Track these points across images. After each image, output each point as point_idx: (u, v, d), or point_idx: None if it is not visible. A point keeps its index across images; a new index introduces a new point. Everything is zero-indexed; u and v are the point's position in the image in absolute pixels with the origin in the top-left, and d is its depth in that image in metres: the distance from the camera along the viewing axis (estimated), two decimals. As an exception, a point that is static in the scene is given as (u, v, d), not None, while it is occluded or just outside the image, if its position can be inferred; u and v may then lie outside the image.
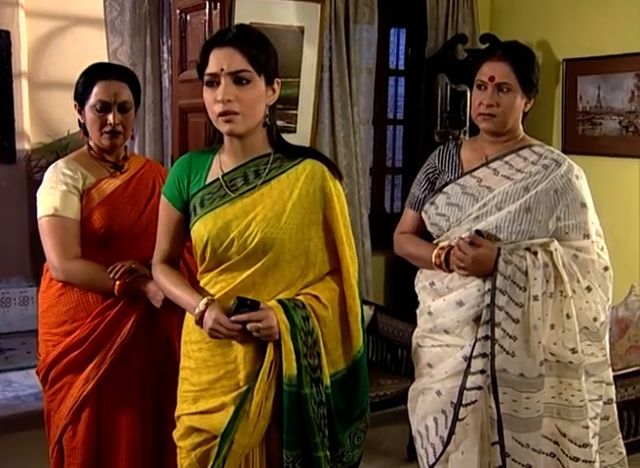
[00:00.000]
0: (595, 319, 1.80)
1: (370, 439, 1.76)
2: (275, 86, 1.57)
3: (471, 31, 3.67)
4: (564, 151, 1.98)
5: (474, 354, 1.75)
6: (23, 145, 4.44)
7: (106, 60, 3.01)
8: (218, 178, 1.58)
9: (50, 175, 1.89)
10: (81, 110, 1.90)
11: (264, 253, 1.53)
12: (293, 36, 3.00)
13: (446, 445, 1.79)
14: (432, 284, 1.87)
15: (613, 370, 1.91)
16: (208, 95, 1.52)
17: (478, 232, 1.78)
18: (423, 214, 1.93)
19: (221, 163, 1.60)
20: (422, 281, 1.92)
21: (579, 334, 1.76)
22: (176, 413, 1.64)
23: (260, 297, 1.54)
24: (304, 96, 3.12)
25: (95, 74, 1.88)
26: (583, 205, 1.81)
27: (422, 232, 1.96)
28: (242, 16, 2.76)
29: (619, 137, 3.26)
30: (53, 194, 1.85)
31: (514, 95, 1.80)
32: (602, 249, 1.84)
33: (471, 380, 1.75)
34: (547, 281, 1.73)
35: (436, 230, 1.89)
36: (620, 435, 1.95)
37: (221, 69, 1.49)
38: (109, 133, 1.87)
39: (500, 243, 1.77)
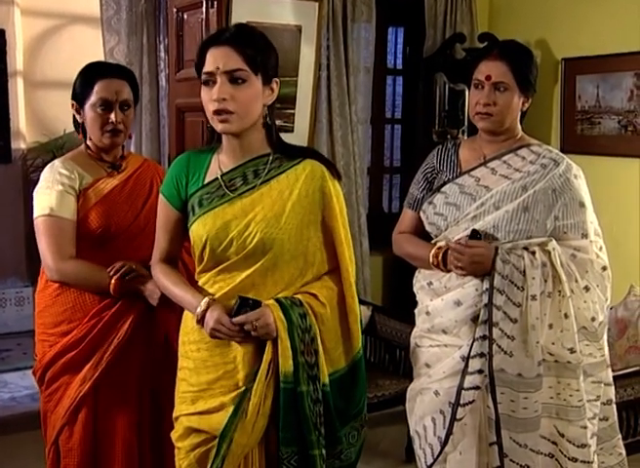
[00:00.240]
0: (593, 319, 1.79)
1: (368, 440, 1.76)
2: (274, 86, 1.56)
3: (470, 30, 3.67)
4: (562, 151, 1.98)
5: (472, 354, 1.75)
6: (19, 145, 4.43)
7: (103, 59, 3.00)
8: (216, 178, 1.58)
9: (46, 174, 1.89)
10: (79, 109, 1.89)
11: (264, 254, 1.53)
12: (290, 35, 3.00)
13: (444, 445, 1.79)
14: (430, 283, 1.87)
15: (612, 371, 1.91)
16: (204, 94, 1.53)
17: (476, 231, 1.77)
18: (422, 213, 1.93)
19: (220, 162, 1.60)
20: (420, 281, 1.92)
21: (577, 334, 1.76)
22: (174, 414, 1.64)
23: (260, 298, 1.54)
24: (302, 95, 3.11)
25: (95, 72, 1.88)
26: (582, 204, 1.81)
27: (421, 232, 1.96)
28: (239, 14, 2.75)
29: (617, 137, 3.25)
30: (49, 194, 1.84)
31: (511, 94, 1.80)
32: (600, 248, 1.84)
33: (469, 380, 1.75)
34: (545, 280, 1.73)
35: (434, 230, 1.89)
36: (620, 436, 1.95)
37: (217, 68, 1.49)
38: (111, 131, 1.86)
39: (498, 242, 1.77)
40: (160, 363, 1.88)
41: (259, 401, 1.52)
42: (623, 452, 1.94)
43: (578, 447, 1.77)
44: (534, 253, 1.74)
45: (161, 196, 1.65)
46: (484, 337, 1.73)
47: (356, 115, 3.46)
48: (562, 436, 1.78)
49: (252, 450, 1.57)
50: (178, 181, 1.62)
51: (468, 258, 1.74)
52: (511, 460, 1.75)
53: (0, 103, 4.30)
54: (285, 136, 1.66)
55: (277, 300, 1.54)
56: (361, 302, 1.65)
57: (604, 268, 1.82)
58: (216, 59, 1.50)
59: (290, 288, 1.57)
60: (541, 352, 1.73)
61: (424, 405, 1.85)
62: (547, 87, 3.46)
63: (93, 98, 1.85)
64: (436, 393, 1.81)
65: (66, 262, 1.82)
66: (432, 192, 1.91)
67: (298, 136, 3.03)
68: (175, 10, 2.97)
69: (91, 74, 1.88)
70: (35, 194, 1.89)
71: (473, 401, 1.75)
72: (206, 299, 1.53)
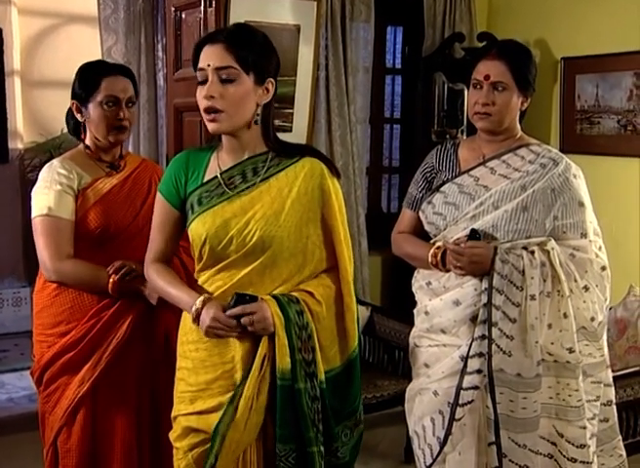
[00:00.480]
0: (593, 319, 1.79)
1: (367, 441, 1.76)
2: (269, 86, 1.56)
3: (469, 29, 3.66)
4: (562, 150, 1.97)
5: (471, 354, 1.75)
6: (16, 144, 4.42)
7: (100, 59, 2.99)
8: (216, 176, 1.58)
9: (45, 174, 1.88)
10: (80, 108, 1.89)
11: (263, 251, 1.53)
12: (289, 34, 3.00)
13: (443, 445, 1.79)
14: (429, 283, 1.87)
15: (612, 371, 1.90)
16: (198, 92, 1.54)
17: (475, 231, 1.77)
18: (421, 213, 1.92)
19: (219, 161, 1.60)
20: (419, 280, 1.91)
21: (576, 334, 1.76)
22: (172, 414, 1.63)
23: (257, 294, 1.53)
24: (300, 94, 3.11)
25: (100, 71, 1.88)
26: (581, 204, 1.81)
27: (420, 232, 1.95)
28: (237, 14, 2.75)
29: (617, 137, 3.25)
30: (47, 194, 1.84)
31: (510, 93, 1.80)
32: (600, 248, 1.84)
33: (468, 380, 1.75)
34: (544, 280, 1.73)
35: (433, 229, 1.89)
36: (620, 437, 1.94)
37: (208, 65, 1.51)
38: (118, 128, 1.86)
39: (497, 242, 1.76)
40: (159, 363, 1.87)
41: (251, 395, 1.52)
42: (624, 454, 1.94)
43: (577, 447, 1.77)
44: (533, 252, 1.74)
45: (158, 194, 1.64)
46: (483, 337, 1.73)
47: (355, 115, 3.46)
48: (561, 436, 1.78)
49: (249, 448, 1.57)
50: (177, 179, 1.61)
51: (468, 259, 1.74)
52: (510, 460, 1.75)
53: (-3, 103, 4.30)
54: (283, 136, 1.66)
55: (274, 297, 1.54)
56: (360, 302, 1.65)
57: (603, 268, 1.82)
58: (208, 57, 1.51)
59: (286, 284, 1.57)
60: (541, 352, 1.73)
61: (423, 405, 1.85)
62: (547, 86, 3.46)
63: (100, 96, 1.84)
64: (435, 393, 1.81)
65: (64, 262, 1.82)
66: (431, 192, 1.90)
67: (296, 136, 3.03)
68: (173, 9, 2.96)
69: (95, 72, 1.88)
70: (33, 194, 1.88)
71: (472, 401, 1.75)
72: (202, 297, 1.52)
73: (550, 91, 3.51)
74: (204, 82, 1.52)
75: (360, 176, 3.55)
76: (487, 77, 1.80)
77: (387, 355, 2.99)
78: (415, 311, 1.93)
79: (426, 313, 1.86)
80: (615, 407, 1.91)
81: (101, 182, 1.89)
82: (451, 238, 1.82)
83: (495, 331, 1.71)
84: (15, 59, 4.36)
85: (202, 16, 2.78)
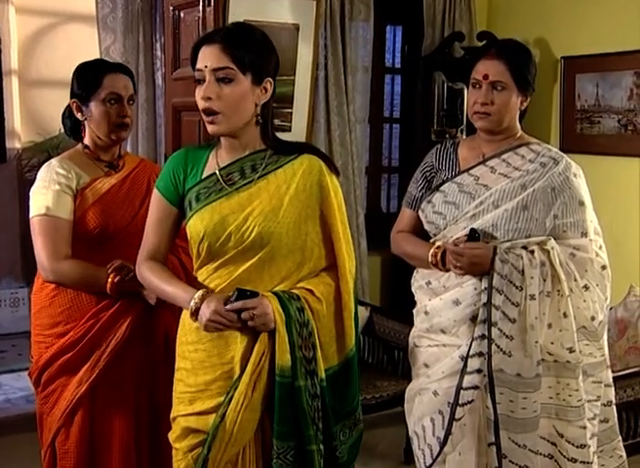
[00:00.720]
0: (593, 318, 1.79)
1: (366, 441, 1.75)
2: (267, 85, 1.56)
3: (468, 29, 3.67)
4: (562, 150, 1.96)
5: (471, 353, 1.74)
6: (14, 144, 4.41)
7: (98, 58, 2.98)
8: (214, 173, 1.58)
9: (43, 174, 1.87)
10: (80, 107, 1.88)
11: (261, 248, 1.53)
12: (288, 34, 2.99)
13: (443, 445, 1.79)
14: (429, 283, 1.86)
15: (612, 372, 1.90)
16: (196, 92, 1.54)
17: (474, 231, 1.77)
18: (420, 212, 1.92)
19: (218, 157, 1.60)
20: (419, 280, 1.91)
21: (576, 334, 1.75)
22: (172, 415, 1.63)
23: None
24: (300, 94, 3.10)
25: (100, 69, 1.88)
26: (581, 203, 1.80)
27: (420, 231, 1.95)
28: (236, 13, 2.74)
29: (617, 136, 3.25)
30: (45, 194, 1.83)
31: (509, 93, 1.80)
32: (600, 247, 1.83)
33: (467, 380, 1.74)
34: (544, 280, 1.73)
35: (433, 228, 1.88)
36: (620, 438, 1.94)
37: (205, 66, 1.51)
38: (120, 126, 1.86)
39: (497, 241, 1.76)
40: (159, 363, 1.87)
41: (244, 390, 1.51)
42: (624, 455, 1.94)
43: (577, 447, 1.76)
44: (532, 252, 1.73)
45: (155, 191, 1.63)
46: (483, 337, 1.73)
47: (354, 114, 3.45)
48: (561, 436, 1.78)
49: (248, 446, 1.56)
50: (175, 176, 1.61)
51: (468, 260, 1.73)
52: (510, 461, 1.75)
53: (-5, 102, 4.29)
54: (282, 136, 1.66)
55: (275, 293, 1.53)
56: (359, 303, 1.64)
57: (603, 267, 1.81)
58: (205, 58, 1.51)
59: (285, 282, 1.56)
60: (540, 352, 1.73)
61: (423, 405, 1.85)
62: (547, 86, 3.46)
63: (102, 93, 1.84)
64: (435, 393, 1.81)
65: (62, 262, 1.81)
66: (431, 191, 1.90)
67: (295, 136, 3.02)
68: (171, 8, 2.96)
69: (96, 70, 1.87)
70: (32, 194, 1.88)
71: (472, 401, 1.74)
72: (200, 292, 1.52)
73: (550, 90, 3.50)
74: (201, 82, 1.52)
75: (359, 176, 3.55)
76: (486, 77, 1.79)
77: (387, 355, 2.99)
78: (414, 311, 1.93)
79: (426, 313, 1.86)
80: (614, 407, 1.90)
81: (100, 182, 1.89)
82: (451, 237, 1.81)
83: (494, 331, 1.71)
84: (12, 59, 4.35)
85: (200, 15, 2.78)
